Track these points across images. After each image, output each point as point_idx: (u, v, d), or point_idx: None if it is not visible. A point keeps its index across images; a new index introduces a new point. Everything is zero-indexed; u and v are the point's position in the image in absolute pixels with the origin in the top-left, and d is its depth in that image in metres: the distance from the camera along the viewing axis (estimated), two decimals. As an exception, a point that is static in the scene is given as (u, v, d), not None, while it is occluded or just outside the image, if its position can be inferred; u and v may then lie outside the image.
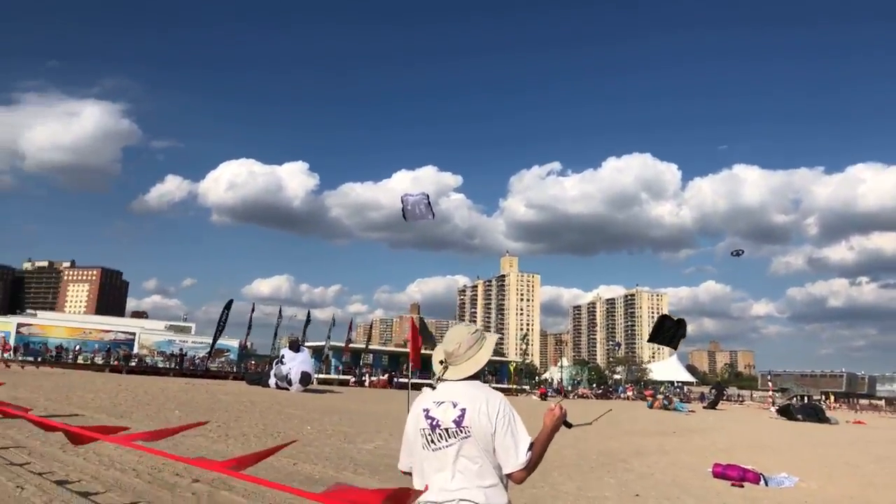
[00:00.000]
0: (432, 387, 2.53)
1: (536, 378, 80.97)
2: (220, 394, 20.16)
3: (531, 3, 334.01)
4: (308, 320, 48.27)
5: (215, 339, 40.60)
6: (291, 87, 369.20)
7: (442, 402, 2.41)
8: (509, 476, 2.34)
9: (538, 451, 2.36)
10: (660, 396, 40.99)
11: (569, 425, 2.53)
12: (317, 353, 43.28)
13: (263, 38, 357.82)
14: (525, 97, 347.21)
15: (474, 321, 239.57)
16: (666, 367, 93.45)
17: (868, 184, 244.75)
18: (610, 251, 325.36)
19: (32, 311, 79.85)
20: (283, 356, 28.28)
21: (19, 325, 53.96)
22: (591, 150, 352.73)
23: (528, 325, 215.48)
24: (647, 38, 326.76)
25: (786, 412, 34.48)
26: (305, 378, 27.31)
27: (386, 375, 46.59)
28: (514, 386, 56.76)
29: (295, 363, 27.34)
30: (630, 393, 65.42)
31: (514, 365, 66.77)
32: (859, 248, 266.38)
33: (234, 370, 44.77)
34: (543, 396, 42.59)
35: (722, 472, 10.42)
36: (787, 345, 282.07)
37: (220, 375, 40.17)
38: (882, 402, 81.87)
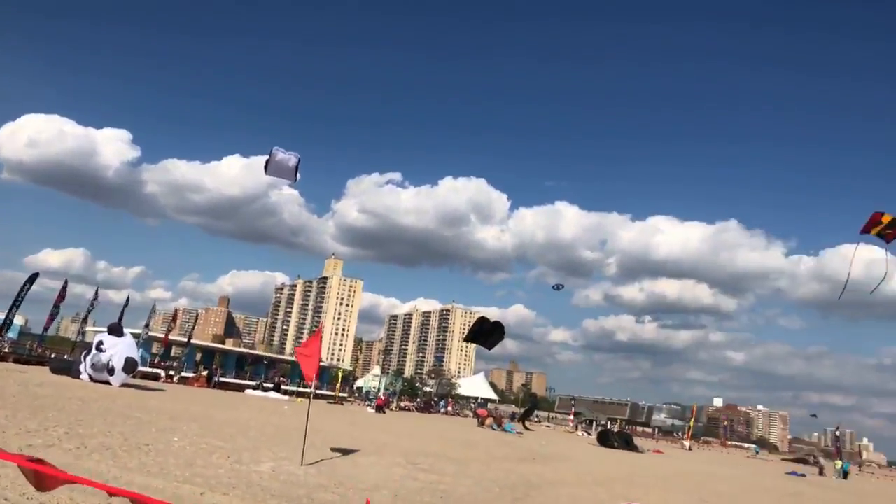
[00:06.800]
0: None
1: (353, 386, 79.20)
2: (31, 385, 16.38)
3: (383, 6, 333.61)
4: (127, 303, 43.46)
5: (11, 316, 34.14)
6: (120, 44, 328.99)
7: None
8: None
9: None
10: (490, 418, 41.05)
11: None
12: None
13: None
14: (373, 105, 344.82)
15: (288, 321, 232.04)
16: (473, 382, 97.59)
17: (664, 235, 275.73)
18: (433, 266, 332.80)
19: None
20: (100, 342, 24.19)
21: None
22: (432, 167, 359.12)
23: (343, 329, 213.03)
24: (501, 70, 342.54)
25: (603, 439, 36.84)
26: (131, 365, 23.85)
27: (206, 372, 42.17)
28: (338, 394, 53.18)
29: (117, 349, 23.64)
30: (450, 408, 65.34)
31: (342, 371, 64.43)
32: (648, 290, 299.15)
33: (15, 351, 37.81)
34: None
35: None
36: (575, 370, 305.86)
37: (2, 358, 33.58)
38: (654, 431, 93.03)
